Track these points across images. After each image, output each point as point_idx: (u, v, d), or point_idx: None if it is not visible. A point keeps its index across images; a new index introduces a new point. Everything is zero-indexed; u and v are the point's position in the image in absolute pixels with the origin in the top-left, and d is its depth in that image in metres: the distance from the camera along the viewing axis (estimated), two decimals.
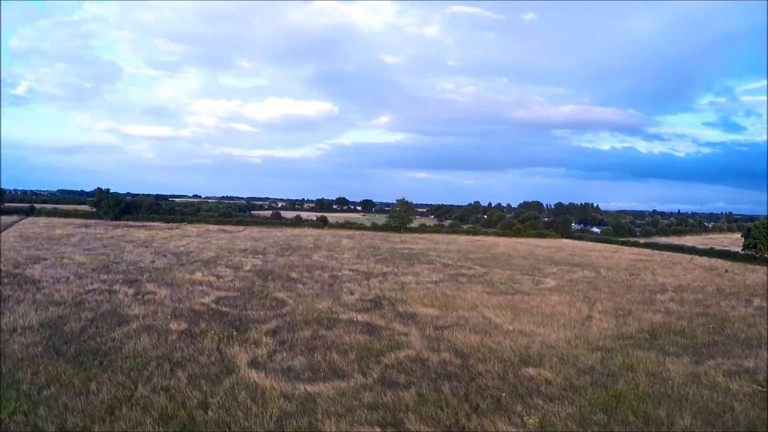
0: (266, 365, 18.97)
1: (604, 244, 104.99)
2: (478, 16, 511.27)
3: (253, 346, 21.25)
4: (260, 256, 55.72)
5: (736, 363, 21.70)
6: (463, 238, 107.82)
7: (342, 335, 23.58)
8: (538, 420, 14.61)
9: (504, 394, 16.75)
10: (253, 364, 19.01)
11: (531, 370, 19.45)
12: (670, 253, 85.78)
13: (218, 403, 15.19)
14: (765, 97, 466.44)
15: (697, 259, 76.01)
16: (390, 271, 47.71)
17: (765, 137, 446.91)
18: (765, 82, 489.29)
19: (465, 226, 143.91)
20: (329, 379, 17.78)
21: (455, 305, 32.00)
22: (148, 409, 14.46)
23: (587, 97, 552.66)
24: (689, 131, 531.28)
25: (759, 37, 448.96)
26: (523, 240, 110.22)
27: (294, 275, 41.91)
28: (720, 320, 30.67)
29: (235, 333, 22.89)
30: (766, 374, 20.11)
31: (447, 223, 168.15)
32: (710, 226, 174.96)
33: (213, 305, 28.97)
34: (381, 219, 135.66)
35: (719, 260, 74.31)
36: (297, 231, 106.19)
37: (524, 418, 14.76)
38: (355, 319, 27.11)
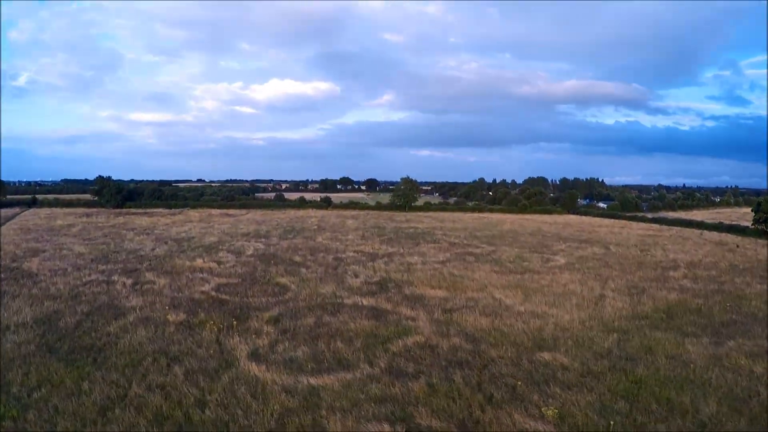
0: (267, 357, 18.29)
1: (612, 220, 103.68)
2: None
3: (253, 336, 20.59)
4: (263, 239, 55.02)
5: (757, 344, 20.89)
6: (468, 216, 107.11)
7: (347, 321, 22.88)
8: (557, 411, 13.86)
9: (519, 383, 16.02)
10: (254, 356, 18.33)
11: (546, 355, 18.72)
12: (679, 228, 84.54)
13: (216, 400, 14.51)
14: (765, 71, 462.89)
15: (707, 234, 74.81)
16: (395, 251, 46.96)
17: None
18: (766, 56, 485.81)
19: (470, 204, 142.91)
20: (334, 370, 17.08)
21: (464, 286, 31.26)
22: (142, 410, 13.81)
23: (591, 72, 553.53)
24: (693, 105, 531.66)
25: (763, 11, 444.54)
26: (529, 216, 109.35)
27: (297, 259, 41.24)
28: (736, 298, 29.80)
29: (235, 322, 22.18)
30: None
31: (452, 200, 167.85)
32: (717, 200, 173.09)
33: (213, 293, 28.29)
34: (385, 198, 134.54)
35: (729, 235, 73.18)
36: (301, 212, 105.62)
37: (542, 409, 14.04)
38: (360, 304, 26.42)
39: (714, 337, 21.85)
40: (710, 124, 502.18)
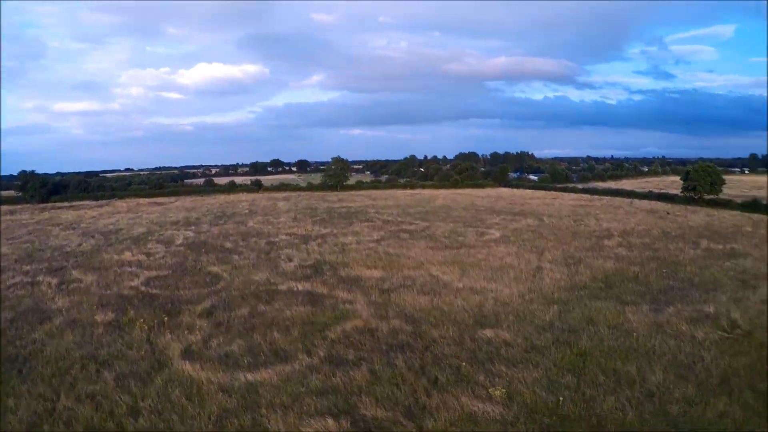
0: (202, 354, 17.41)
1: (543, 191, 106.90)
2: None
3: (186, 332, 19.65)
4: (193, 227, 53.83)
5: (696, 309, 21.64)
6: (400, 192, 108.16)
7: (282, 309, 22.20)
8: (504, 390, 13.72)
9: (463, 363, 15.81)
10: (187, 354, 17.43)
11: (488, 332, 18.66)
12: (610, 198, 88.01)
13: (150, 406, 13.58)
14: (694, 46, 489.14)
15: (637, 202, 78.16)
16: (329, 232, 46.61)
17: (694, 84, 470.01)
18: (694, 32, 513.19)
19: (402, 180, 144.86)
20: (271, 363, 16.39)
21: (400, 264, 31.11)
22: (72, 424, 12.83)
23: (521, 49, 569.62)
24: (621, 80, 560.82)
25: None
26: (461, 191, 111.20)
27: (228, 245, 40.30)
28: (671, 264, 30.95)
29: (166, 318, 21.11)
30: (728, 319, 20.01)
31: (384, 178, 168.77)
32: (645, 170, 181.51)
33: (142, 288, 27.04)
34: (317, 179, 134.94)
35: (659, 203, 76.80)
36: (231, 197, 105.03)
37: (489, 390, 13.85)
38: (295, 289, 25.76)
39: (653, 304, 22.48)
40: (637, 98, 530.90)
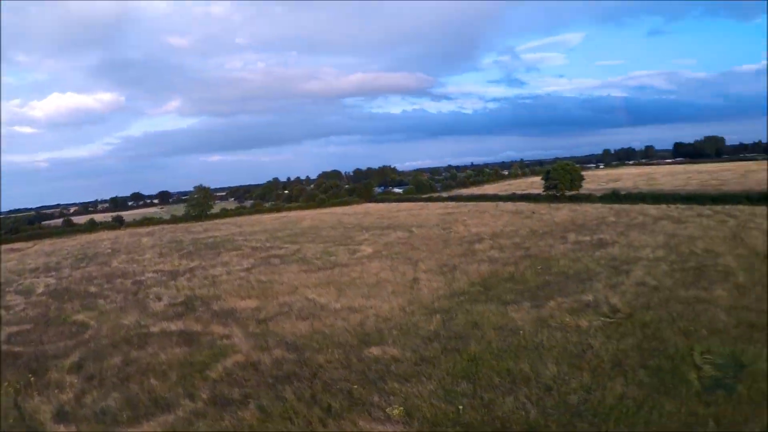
0: (76, 413, 15.75)
1: (409, 203, 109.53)
2: None
3: (56, 391, 17.70)
4: (54, 273, 49.80)
5: (575, 299, 22.84)
6: (267, 217, 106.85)
7: (157, 353, 20.72)
8: (401, 407, 13.47)
9: (355, 386, 15.41)
10: (60, 416, 15.71)
11: (374, 350, 18.42)
12: (475, 203, 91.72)
13: None
14: (544, 54, 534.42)
15: (502, 205, 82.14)
16: (197, 265, 44.88)
17: (545, 89, 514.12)
18: (544, 41, 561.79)
19: (267, 204, 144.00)
20: (153, 414, 15.10)
21: (274, 291, 30.35)
22: None
23: (376, 65, 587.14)
24: (475, 89, 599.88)
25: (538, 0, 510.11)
26: (328, 210, 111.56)
27: (93, 289, 37.54)
28: (544, 260, 32.59)
29: (32, 378, 18.94)
30: (608, 305, 21.26)
31: (248, 203, 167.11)
32: (506, 173, 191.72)
33: (3, 347, 24.25)
34: (180, 210, 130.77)
35: (524, 203, 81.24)
36: (92, 236, 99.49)
37: (386, 410, 13.55)
38: (168, 330, 24.27)
39: (533, 300, 23.39)
40: (492, 105, 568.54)
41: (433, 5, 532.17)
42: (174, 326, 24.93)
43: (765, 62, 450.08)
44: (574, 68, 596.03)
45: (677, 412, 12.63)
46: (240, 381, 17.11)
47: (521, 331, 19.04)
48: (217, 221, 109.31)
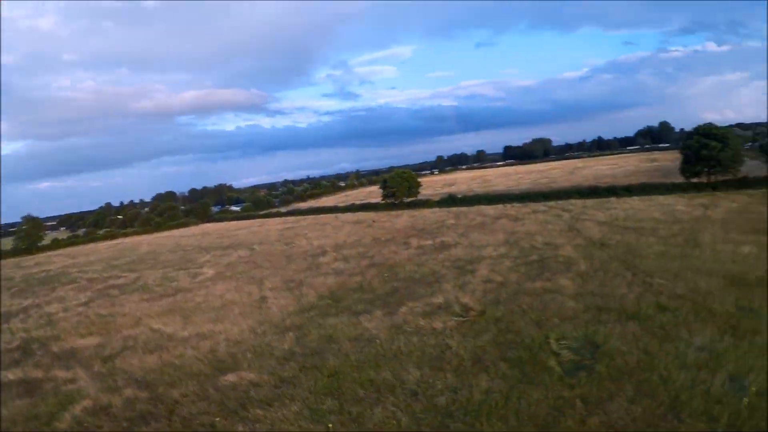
0: None
1: (248, 221, 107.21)
2: (96, 5, 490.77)
3: None
4: None
5: (426, 303, 23.33)
6: (102, 245, 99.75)
7: None
8: None
9: (217, 418, 14.54)
10: None
11: (231, 377, 17.52)
12: (315, 216, 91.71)
13: None
14: (377, 67, 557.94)
15: (342, 216, 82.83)
16: (30, 303, 40.21)
17: (378, 101, 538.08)
18: (376, 55, 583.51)
19: (101, 232, 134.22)
20: None
21: (116, 325, 28.08)
22: None
23: (210, 81, 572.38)
24: (310, 104, 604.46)
25: (369, 15, 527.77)
26: (165, 233, 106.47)
27: None
28: (389, 267, 33.08)
29: None
30: (459, 304, 21.87)
31: (82, 232, 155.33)
32: (342, 185, 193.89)
33: None
34: (8, 243, 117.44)
35: (363, 213, 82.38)
36: None
37: None
38: (6, 380, 21.39)
39: (385, 308, 23.61)
40: (326, 119, 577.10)
41: (265, 20, 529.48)
42: (12, 375, 22.10)
43: (586, 69, 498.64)
44: (406, 80, 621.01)
45: (544, 398, 13.21)
46: (92, 429, 15.52)
47: (377, 340, 19.09)
48: (49, 253, 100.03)
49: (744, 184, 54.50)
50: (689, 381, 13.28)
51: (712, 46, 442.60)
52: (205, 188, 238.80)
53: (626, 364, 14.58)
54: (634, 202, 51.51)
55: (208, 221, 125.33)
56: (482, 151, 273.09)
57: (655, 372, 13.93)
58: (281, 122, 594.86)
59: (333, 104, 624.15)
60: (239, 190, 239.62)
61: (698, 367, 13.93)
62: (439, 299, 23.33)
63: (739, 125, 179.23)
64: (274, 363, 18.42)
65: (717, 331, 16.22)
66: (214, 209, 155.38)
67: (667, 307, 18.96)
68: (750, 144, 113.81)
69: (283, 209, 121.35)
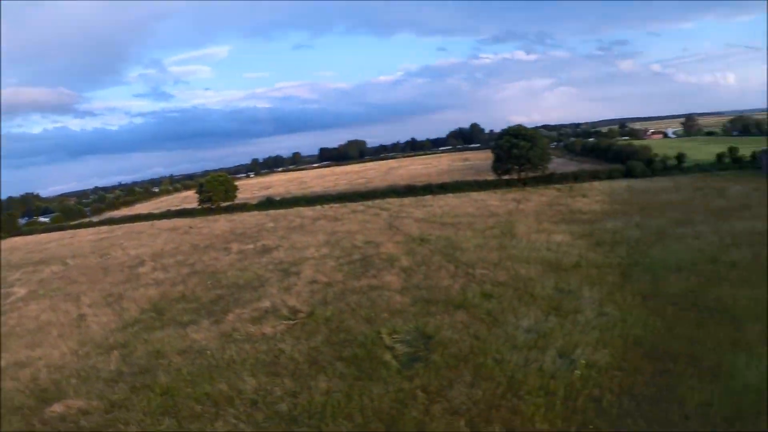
0: None
1: (59, 232, 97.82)
2: None
3: None
4: None
5: (253, 308, 23.00)
6: None
7: None
8: None
9: None
10: None
11: (57, 407, 15.99)
12: (129, 225, 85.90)
13: None
14: (192, 66, 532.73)
15: (158, 223, 78.30)
16: None
17: (192, 102, 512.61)
18: (191, 54, 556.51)
19: None
20: None
21: None
22: None
23: (16, 78, 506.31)
24: (121, 104, 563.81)
25: (185, 14, 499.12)
26: None
27: None
28: (212, 274, 32.09)
29: None
30: (287, 307, 21.83)
31: None
32: (156, 190, 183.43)
33: None
34: None
35: (179, 219, 78.48)
36: None
37: None
38: None
39: (211, 317, 22.91)
40: (138, 120, 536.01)
41: (76, 14, 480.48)
42: None
43: (400, 74, 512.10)
44: (222, 80, 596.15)
45: (385, 392, 13.69)
46: None
47: (208, 351, 18.50)
48: None
49: (551, 179, 59.67)
50: (522, 361, 14.55)
51: (521, 55, 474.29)
52: (10, 198, 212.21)
53: (460, 351, 15.55)
54: (450, 199, 54.45)
55: (16, 235, 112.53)
56: (298, 153, 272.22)
57: (488, 356, 15.02)
58: (91, 124, 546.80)
59: (146, 105, 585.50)
60: (47, 200, 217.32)
61: (528, 348, 15.30)
62: (266, 303, 23.11)
63: (545, 126, 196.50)
64: (101, 386, 17.12)
65: (541, 313, 17.97)
66: (22, 221, 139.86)
67: (491, 294, 20.49)
68: (556, 144, 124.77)
69: (95, 218, 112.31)
